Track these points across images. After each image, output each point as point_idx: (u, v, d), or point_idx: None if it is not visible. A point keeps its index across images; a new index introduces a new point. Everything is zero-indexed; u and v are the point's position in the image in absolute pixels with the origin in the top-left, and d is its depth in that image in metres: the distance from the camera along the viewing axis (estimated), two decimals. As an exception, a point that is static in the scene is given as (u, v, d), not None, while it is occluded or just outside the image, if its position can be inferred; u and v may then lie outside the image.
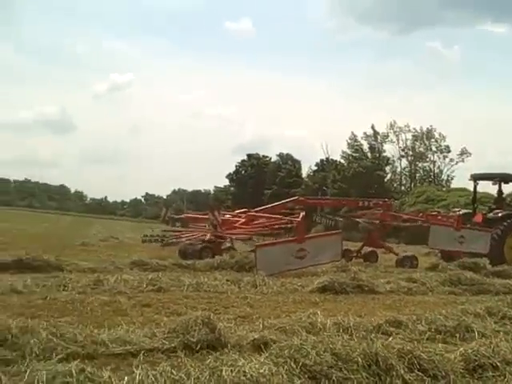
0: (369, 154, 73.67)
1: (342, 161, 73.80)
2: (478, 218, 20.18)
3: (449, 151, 72.86)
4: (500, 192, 21.56)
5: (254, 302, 9.47)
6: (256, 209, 18.73)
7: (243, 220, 18.04)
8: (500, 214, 19.73)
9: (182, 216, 21.98)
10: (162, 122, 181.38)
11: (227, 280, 11.48)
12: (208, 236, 17.22)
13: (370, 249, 19.61)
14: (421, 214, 21.49)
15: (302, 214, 15.95)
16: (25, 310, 7.68)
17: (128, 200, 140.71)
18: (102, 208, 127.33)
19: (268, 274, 12.28)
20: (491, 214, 20.14)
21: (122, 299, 8.90)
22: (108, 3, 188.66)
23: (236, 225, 17.83)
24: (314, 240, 14.89)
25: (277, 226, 17.63)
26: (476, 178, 22.11)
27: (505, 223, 19.13)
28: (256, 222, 18.00)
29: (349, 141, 75.42)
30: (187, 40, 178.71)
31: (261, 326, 6.87)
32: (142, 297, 9.35)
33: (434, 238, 17.76)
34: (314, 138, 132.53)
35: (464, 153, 71.65)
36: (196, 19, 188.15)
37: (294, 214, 17.02)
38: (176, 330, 6.16)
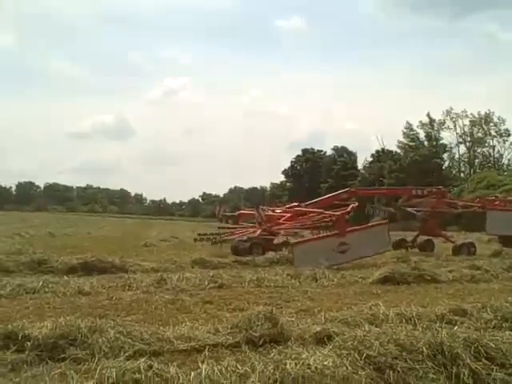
0: (425, 143, 72.36)
1: (398, 150, 72.79)
2: None
3: (509, 135, 70.82)
4: None
5: (315, 296, 9.48)
6: (307, 202, 18.62)
7: (289, 215, 17.96)
8: None
9: (234, 213, 22.19)
10: (216, 122, 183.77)
11: (287, 274, 11.53)
12: (258, 232, 17.34)
13: (425, 238, 19.24)
14: (477, 200, 20.87)
15: (353, 205, 15.89)
16: (92, 310, 7.90)
17: (186, 200, 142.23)
18: (162, 209, 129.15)
19: (306, 269, 12.15)
20: None
21: (185, 297, 9.06)
22: (157, 10, 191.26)
23: (281, 220, 17.75)
24: (357, 233, 14.70)
25: (322, 220, 17.17)
26: None
27: None
28: (302, 217, 17.83)
29: (404, 130, 74.37)
30: (238, 41, 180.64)
31: (323, 318, 6.86)
32: (204, 294, 9.48)
33: (492, 224, 17.27)
34: (368, 129, 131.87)
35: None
36: (246, 19, 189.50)
37: (347, 206, 16.86)
38: (239, 325, 6.22)
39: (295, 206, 18.83)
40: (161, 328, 6.29)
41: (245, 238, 17.35)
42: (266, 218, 17.71)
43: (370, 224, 16.62)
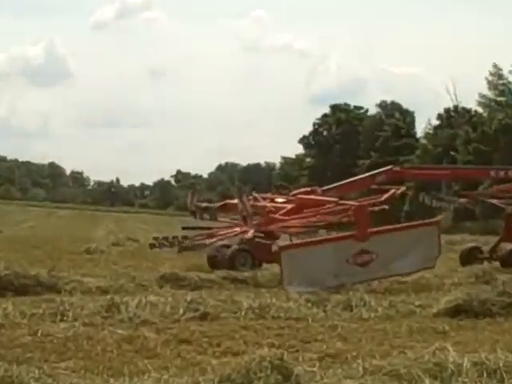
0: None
1: (480, 110, 72.57)
2: None
3: None
4: None
5: (349, 334, 9.50)
6: (325, 187, 18.61)
7: (290, 207, 17.85)
8: None
9: (212, 205, 21.80)
10: (197, 62, 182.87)
11: (306, 300, 11.55)
12: (249, 234, 17.26)
13: (511, 246, 18.97)
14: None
15: (394, 191, 16.02)
16: (6, 351, 7.90)
17: (151, 183, 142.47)
18: (113, 196, 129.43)
19: (301, 291, 12.19)
20: None
21: (149, 333, 9.09)
22: None
23: (277, 215, 17.67)
24: (387, 236, 14.62)
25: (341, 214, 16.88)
26: None
27: None
28: (310, 210, 17.59)
29: (490, 78, 73.95)
30: None
31: (360, 369, 6.86)
32: (178, 328, 9.51)
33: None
34: (432, 76, 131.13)
35: None
36: None
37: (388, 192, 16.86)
38: (231, 378, 6.23)
39: (306, 193, 18.73)
40: (111, 381, 6.32)
41: (224, 241, 17.44)
42: (257, 211, 17.73)
43: (408, 224, 16.34)
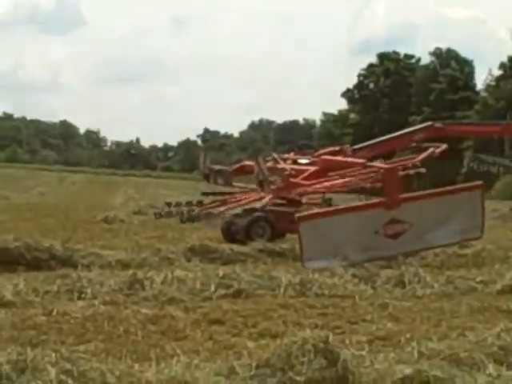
0: None
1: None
2: None
3: None
4: None
5: (401, 313, 9.50)
6: (358, 145, 18.54)
7: (313, 169, 17.52)
8: None
9: (226, 168, 21.32)
10: (226, 6, 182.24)
11: (353, 275, 11.60)
12: (265, 200, 17.26)
13: None
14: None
15: (432, 150, 16.06)
16: (19, 332, 8.00)
17: (175, 143, 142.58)
18: (133, 158, 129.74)
19: (322, 267, 12.05)
20: None
21: (177, 312, 9.18)
22: None
23: (297, 179, 17.23)
24: (422, 203, 14.20)
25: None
26: None
27: None
28: (336, 173, 16.98)
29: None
30: None
31: (415, 353, 6.86)
32: (210, 307, 9.58)
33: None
34: (494, 20, 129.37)
35: None
36: None
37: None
38: (270, 362, 6.26)
39: (332, 153, 18.37)
40: (136, 366, 6.36)
41: (238, 210, 17.43)
42: (274, 174, 17.37)
43: (447, 188, 15.72)
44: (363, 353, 6.87)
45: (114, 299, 9.85)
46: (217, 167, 21.06)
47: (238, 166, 20.56)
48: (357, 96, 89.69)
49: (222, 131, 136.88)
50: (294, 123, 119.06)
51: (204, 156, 21.19)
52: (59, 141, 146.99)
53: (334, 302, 10.11)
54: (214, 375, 6.20)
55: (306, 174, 17.20)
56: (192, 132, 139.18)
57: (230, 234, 16.77)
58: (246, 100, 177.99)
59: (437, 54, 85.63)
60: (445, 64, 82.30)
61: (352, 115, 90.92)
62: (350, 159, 17.22)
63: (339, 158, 17.57)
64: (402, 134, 18.62)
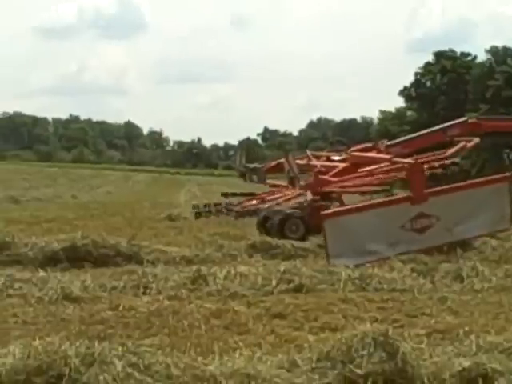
0: None
1: None
2: None
3: None
4: None
5: (460, 307, 9.44)
6: (390, 142, 18.13)
7: (342, 166, 17.38)
8: None
9: (261, 166, 21.09)
10: (286, 7, 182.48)
11: (412, 269, 11.57)
12: (305, 197, 17.09)
13: None
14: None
15: (463, 145, 15.77)
16: (87, 327, 8.12)
17: (236, 142, 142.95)
18: (195, 157, 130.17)
19: (348, 264, 11.89)
20: None
21: (239, 306, 9.23)
22: None
23: (327, 176, 17.10)
24: (449, 197, 13.93)
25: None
26: None
27: None
28: (365, 169, 16.91)
29: None
30: None
31: (474, 346, 6.81)
32: (271, 302, 9.59)
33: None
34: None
35: None
36: None
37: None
38: (331, 356, 6.26)
39: (364, 150, 18.25)
40: (200, 359, 6.40)
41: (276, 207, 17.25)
42: (307, 171, 17.46)
43: (473, 181, 15.75)
44: (422, 346, 6.85)
45: (179, 294, 9.95)
46: (251, 165, 21.03)
47: (272, 164, 20.46)
48: (413, 94, 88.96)
49: (282, 130, 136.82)
50: (352, 121, 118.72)
51: (240, 155, 21.19)
52: (124, 141, 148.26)
53: (393, 295, 10.10)
54: (275, 368, 6.22)
55: (335, 171, 17.11)
56: (252, 131, 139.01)
57: (265, 229, 16.64)
58: (305, 99, 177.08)
59: (493, 51, 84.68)
60: (501, 61, 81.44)
61: (409, 113, 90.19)
62: (377, 155, 17.01)
63: (369, 154, 17.38)
64: (436, 130, 18.22)
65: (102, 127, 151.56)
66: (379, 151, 17.26)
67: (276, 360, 6.43)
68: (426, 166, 15.79)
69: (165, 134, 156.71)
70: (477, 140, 17.02)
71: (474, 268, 11.47)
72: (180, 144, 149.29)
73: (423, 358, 6.43)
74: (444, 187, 14.65)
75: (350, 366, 6.01)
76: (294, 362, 6.34)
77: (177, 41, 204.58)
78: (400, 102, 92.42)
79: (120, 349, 6.15)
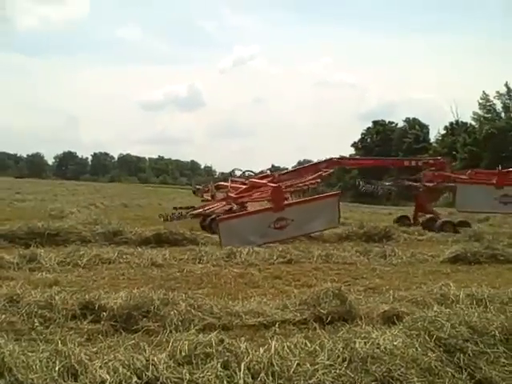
0: (503, 114, 69.51)
1: (473, 123, 70.33)
2: None
3: None
4: None
5: (384, 274, 9.40)
6: (284, 172, 17.06)
7: (244, 188, 16.16)
8: None
9: (200, 186, 20.45)
10: (285, 92, 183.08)
11: (356, 251, 11.46)
12: (219, 206, 16.17)
13: (428, 215, 17.42)
14: (469, 172, 17.75)
15: (319, 173, 15.14)
16: (165, 282, 8.13)
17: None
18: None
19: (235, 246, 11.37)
20: None
21: (254, 271, 9.18)
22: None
23: (233, 194, 16.02)
24: (298, 206, 13.45)
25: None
26: None
27: None
28: (256, 190, 15.71)
29: (480, 101, 71.43)
30: (308, 9, 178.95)
31: (391, 297, 6.80)
32: (273, 269, 9.56)
33: (462, 199, 15.56)
34: (442, 100, 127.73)
35: None
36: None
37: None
38: (307, 301, 6.27)
39: (261, 178, 16.89)
40: (230, 302, 6.41)
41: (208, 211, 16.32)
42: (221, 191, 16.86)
43: (315, 196, 14.70)
44: (361, 297, 6.91)
45: (219, 263, 9.93)
46: (198, 186, 20.65)
47: (216, 184, 18.81)
48: (360, 146, 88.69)
49: (282, 166, 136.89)
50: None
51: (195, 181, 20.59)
52: (189, 171, 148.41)
53: (345, 266, 10.05)
54: (274, 308, 6.24)
55: (238, 191, 16.11)
56: (265, 166, 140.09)
57: (204, 226, 15.95)
58: (297, 146, 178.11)
59: (407, 121, 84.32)
60: (411, 127, 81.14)
61: (358, 157, 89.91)
62: (260, 181, 16.00)
63: (260, 180, 16.23)
64: (312, 164, 17.14)
65: (177, 163, 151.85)
66: (273, 178, 15.97)
67: (275, 304, 6.43)
68: (291, 189, 15.63)
69: (214, 168, 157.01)
70: (331, 171, 16.29)
71: (393, 250, 11.41)
72: (222, 173, 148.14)
73: (361, 304, 6.45)
74: (297, 200, 14.43)
75: (318, 308, 6.03)
76: (285, 305, 6.35)
77: (223, 112, 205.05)
78: (352, 151, 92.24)
79: (183, 295, 6.20)
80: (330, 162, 16.68)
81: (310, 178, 15.32)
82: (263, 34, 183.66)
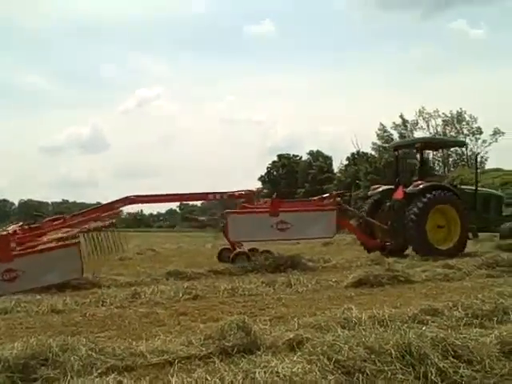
0: (399, 144, 73.00)
1: (373, 152, 73.45)
2: (399, 194, 16.97)
3: (481, 133, 72.16)
4: (422, 161, 19.79)
5: (289, 302, 9.50)
6: (76, 213, 15.63)
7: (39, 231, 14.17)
8: (421, 187, 16.60)
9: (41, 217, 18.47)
10: (191, 131, 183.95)
11: (262, 282, 11.52)
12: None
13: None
14: (266, 200, 16.97)
15: (114, 211, 14.57)
16: (65, 328, 7.85)
17: (163, 211, 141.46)
18: (139, 221, 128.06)
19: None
20: (411, 188, 16.87)
21: (159, 310, 9.03)
22: (121, 21, 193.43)
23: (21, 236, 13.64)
24: (31, 256, 11.93)
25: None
26: (395, 147, 20.55)
27: (425, 198, 16.19)
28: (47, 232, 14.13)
29: (378, 132, 75.24)
30: (210, 48, 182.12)
31: (296, 325, 6.87)
32: (179, 306, 9.44)
33: (235, 229, 14.88)
34: (344, 132, 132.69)
35: (497, 133, 71.01)
36: (216, 25, 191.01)
37: None
38: (212, 336, 6.23)
39: (51, 220, 15.09)
40: (134, 343, 6.27)
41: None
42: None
43: (50, 246, 12.78)
44: (266, 327, 6.89)
45: (123, 304, 9.71)
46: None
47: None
48: (266, 179, 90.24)
49: (191, 203, 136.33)
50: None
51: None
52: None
53: (251, 298, 10.06)
54: (179, 345, 6.17)
55: (29, 233, 13.90)
56: (174, 205, 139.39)
57: None
58: (206, 184, 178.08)
59: (311, 153, 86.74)
60: (315, 159, 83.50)
61: (265, 190, 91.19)
62: (49, 223, 14.42)
63: (52, 222, 14.58)
64: (108, 203, 15.72)
65: (83, 205, 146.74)
66: (65, 221, 14.54)
67: (180, 340, 6.34)
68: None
69: (121, 208, 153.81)
70: (112, 221, 14.77)
71: (298, 279, 11.58)
72: (129, 214, 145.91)
73: (267, 333, 6.46)
74: (32, 250, 12.53)
75: (223, 341, 6.00)
76: (190, 341, 6.26)
77: (126, 152, 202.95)
78: (259, 184, 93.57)
79: (84, 340, 6.00)
80: (125, 200, 15.71)
81: (106, 214, 14.58)
82: (166, 75, 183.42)
